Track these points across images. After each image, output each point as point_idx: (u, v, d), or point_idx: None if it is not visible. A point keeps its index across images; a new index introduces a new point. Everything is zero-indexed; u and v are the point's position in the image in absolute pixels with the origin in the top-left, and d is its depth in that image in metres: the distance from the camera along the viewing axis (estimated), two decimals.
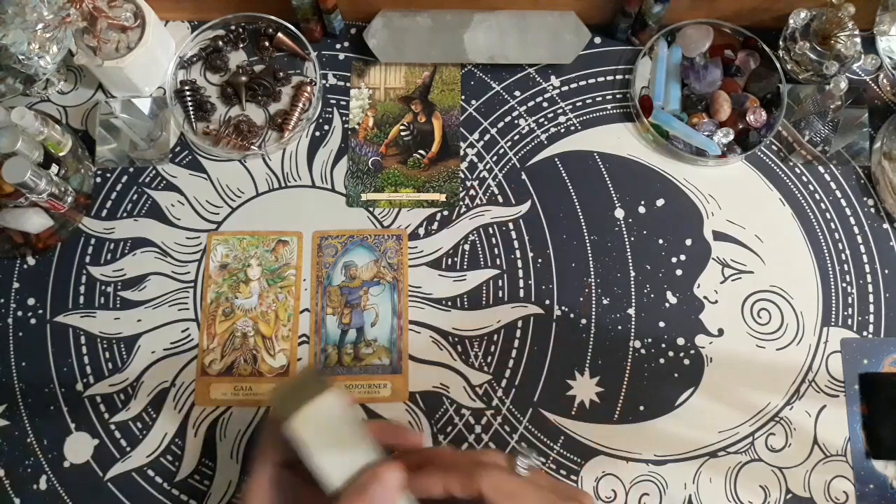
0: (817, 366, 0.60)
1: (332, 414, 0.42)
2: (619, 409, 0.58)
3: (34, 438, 0.57)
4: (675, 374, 0.59)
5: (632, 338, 0.60)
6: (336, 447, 0.41)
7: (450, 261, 0.61)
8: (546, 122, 0.65)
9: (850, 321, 0.61)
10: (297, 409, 0.41)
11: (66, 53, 0.58)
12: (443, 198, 0.63)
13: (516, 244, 0.62)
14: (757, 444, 0.58)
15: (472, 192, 0.63)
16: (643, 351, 0.60)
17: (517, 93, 0.66)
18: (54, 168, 0.58)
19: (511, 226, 0.62)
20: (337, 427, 0.41)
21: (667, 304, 0.61)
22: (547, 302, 0.61)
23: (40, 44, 0.55)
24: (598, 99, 0.66)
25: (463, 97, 0.65)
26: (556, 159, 0.64)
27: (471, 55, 0.64)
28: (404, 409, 0.58)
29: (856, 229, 0.63)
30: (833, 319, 0.61)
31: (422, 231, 0.62)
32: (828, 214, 0.63)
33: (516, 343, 0.60)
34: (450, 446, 0.55)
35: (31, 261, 0.61)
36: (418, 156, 0.64)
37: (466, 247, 0.62)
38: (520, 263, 0.61)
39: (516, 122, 0.65)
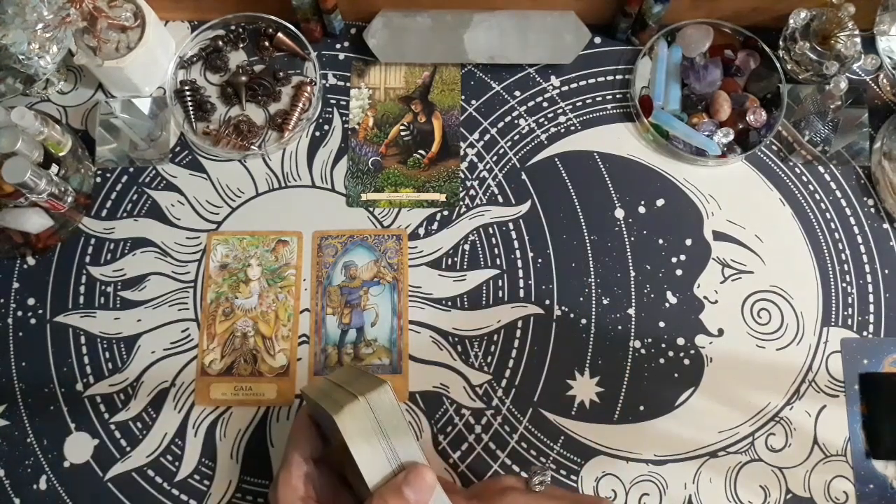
0: (817, 366, 0.60)
1: (377, 410, 0.42)
2: (619, 409, 0.58)
3: (34, 438, 0.57)
4: (675, 374, 0.59)
5: (632, 338, 0.60)
6: (378, 443, 0.42)
7: (450, 261, 0.61)
8: (546, 122, 0.65)
9: (850, 321, 0.61)
10: (345, 404, 0.42)
11: (66, 53, 0.58)
12: (443, 198, 0.63)
13: (516, 244, 0.62)
14: (757, 444, 0.58)
15: (472, 192, 0.63)
16: (643, 351, 0.60)
17: (517, 93, 0.66)
18: (54, 168, 0.58)
19: (511, 226, 0.62)
20: (381, 423, 0.42)
21: (667, 304, 0.61)
22: (547, 302, 0.61)
23: (40, 44, 0.55)
24: (598, 99, 0.66)
25: (463, 97, 0.65)
26: (556, 159, 0.64)
27: (471, 55, 0.64)
28: (404, 409, 0.58)
29: (856, 229, 0.63)
30: (833, 319, 0.61)
31: (422, 231, 0.62)
32: (828, 214, 0.63)
33: (516, 343, 0.60)
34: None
35: (30, 261, 0.61)
36: (418, 156, 0.64)
37: (466, 247, 0.62)
38: (520, 263, 0.61)
39: (516, 122, 0.65)
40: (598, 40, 0.67)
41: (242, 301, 0.60)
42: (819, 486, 0.57)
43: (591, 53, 0.67)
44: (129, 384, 0.58)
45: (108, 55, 0.60)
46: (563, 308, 0.60)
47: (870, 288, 0.61)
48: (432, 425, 0.58)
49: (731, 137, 0.62)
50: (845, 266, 0.62)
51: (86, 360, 0.59)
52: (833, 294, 0.61)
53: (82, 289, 0.60)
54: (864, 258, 0.62)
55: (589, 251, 0.62)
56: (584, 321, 0.60)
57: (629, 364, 0.59)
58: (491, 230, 0.62)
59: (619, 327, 0.60)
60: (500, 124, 0.65)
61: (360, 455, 0.41)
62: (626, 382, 0.59)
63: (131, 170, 0.63)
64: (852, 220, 0.63)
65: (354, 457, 0.41)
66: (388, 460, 0.42)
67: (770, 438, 0.58)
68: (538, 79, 0.66)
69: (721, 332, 0.60)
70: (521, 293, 0.61)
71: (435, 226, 0.62)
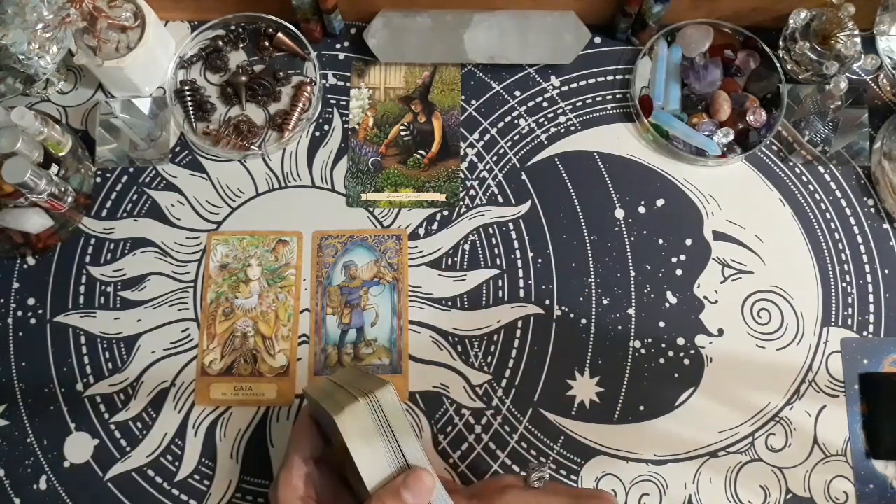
0: (817, 366, 0.60)
1: (379, 410, 0.42)
2: (619, 409, 0.58)
3: (34, 438, 0.57)
4: (675, 374, 0.59)
5: (632, 338, 0.60)
6: (378, 445, 0.42)
7: (450, 261, 0.61)
8: (546, 122, 0.65)
9: (850, 321, 0.61)
10: (346, 405, 0.42)
11: (66, 53, 0.58)
12: (443, 198, 0.63)
13: (516, 244, 0.62)
14: (757, 444, 0.58)
15: (472, 192, 0.63)
16: (643, 351, 0.60)
17: (517, 93, 0.66)
18: (54, 168, 0.58)
19: (511, 226, 0.62)
20: (382, 424, 0.42)
21: (667, 304, 0.61)
22: (547, 302, 0.61)
23: (40, 44, 0.55)
24: (598, 99, 0.66)
25: (463, 97, 0.65)
26: (556, 159, 0.64)
27: (471, 55, 0.64)
28: (405, 410, 0.58)
29: (856, 229, 0.63)
30: (833, 319, 0.61)
31: (422, 231, 0.62)
32: (828, 214, 0.63)
33: (516, 343, 0.60)
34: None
35: (31, 261, 0.61)
36: (418, 156, 0.64)
37: (466, 247, 0.62)
38: (520, 263, 0.61)
39: (516, 122, 0.65)
40: (598, 40, 0.67)
41: (242, 301, 0.60)
42: (819, 486, 0.57)
43: (591, 53, 0.67)
44: (129, 384, 0.58)
45: (108, 55, 0.60)
46: (563, 308, 0.60)
47: (870, 288, 0.61)
48: (432, 425, 0.58)
49: (731, 137, 0.62)
50: (845, 266, 0.62)
51: (86, 360, 0.59)
52: (833, 294, 0.61)
53: (82, 289, 0.60)
54: (864, 258, 0.62)
55: (589, 251, 0.62)
56: (584, 321, 0.60)
57: (629, 364, 0.59)
58: (491, 230, 0.62)
59: (619, 327, 0.60)
60: (500, 124, 0.65)
61: (360, 456, 0.41)
62: (626, 382, 0.59)
63: (131, 170, 0.63)
64: (852, 220, 0.63)
65: (354, 458, 0.41)
66: (388, 462, 0.42)
67: (770, 438, 0.58)
68: (538, 79, 0.66)
69: (721, 332, 0.60)
70: (521, 293, 0.61)
71: (435, 226, 0.62)
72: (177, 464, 0.57)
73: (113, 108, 0.63)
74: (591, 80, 0.66)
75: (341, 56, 0.66)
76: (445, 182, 0.63)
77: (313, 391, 0.47)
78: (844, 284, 0.61)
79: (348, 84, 0.66)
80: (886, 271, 0.62)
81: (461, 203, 0.63)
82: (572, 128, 0.65)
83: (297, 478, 0.45)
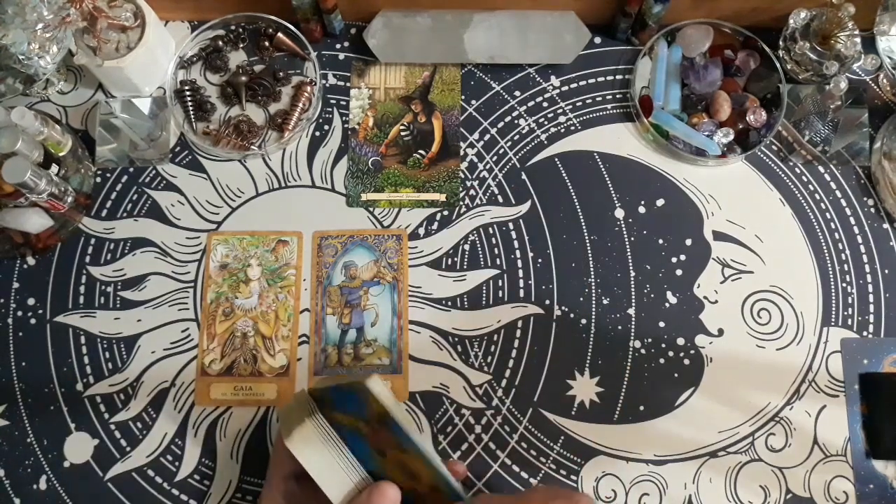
0: (817, 366, 0.60)
1: (325, 428, 0.42)
2: (619, 409, 0.58)
3: (34, 438, 0.57)
4: (675, 374, 0.59)
5: (632, 338, 0.60)
6: (333, 464, 0.42)
7: (450, 261, 0.61)
8: (546, 122, 0.65)
9: (850, 321, 0.61)
10: (292, 429, 0.42)
11: (66, 53, 0.58)
12: (443, 198, 0.63)
13: (516, 244, 0.62)
14: (757, 444, 0.58)
15: (472, 192, 0.63)
16: (643, 351, 0.60)
17: (517, 93, 0.66)
18: (54, 168, 0.58)
19: (511, 226, 0.62)
20: (334, 440, 0.42)
21: (667, 304, 0.61)
22: (547, 302, 0.61)
23: (40, 44, 0.55)
24: (598, 99, 0.66)
25: (463, 97, 0.65)
26: (556, 159, 0.64)
27: (471, 55, 0.64)
28: (404, 410, 0.58)
29: (856, 229, 0.63)
30: (833, 319, 0.61)
31: (422, 231, 0.62)
32: (828, 214, 0.63)
33: (516, 343, 0.60)
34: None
35: (30, 261, 0.61)
36: (418, 156, 0.64)
37: (466, 247, 0.62)
38: (520, 263, 0.61)
39: (516, 122, 0.65)
40: (598, 40, 0.67)
41: (242, 301, 0.60)
42: (819, 486, 0.57)
43: (591, 53, 0.67)
44: (129, 384, 0.58)
45: (108, 55, 0.60)
46: (563, 308, 0.60)
47: (870, 288, 0.61)
48: (432, 425, 0.58)
49: (731, 137, 0.62)
50: (845, 266, 0.62)
51: (86, 360, 0.59)
52: (833, 294, 0.61)
53: (82, 289, 0.60)
54: (864, 258, 0.62)
55: (589, 251, 0.62)
56: (584, 321, 0.60)
57: (629, 364, 0.59)
58: (491, 230, 0.62)
59: (619, 327, 0.60)
60: (500, 124, 0.65)
61: (317, 475, 0.41)
62: (626, 382, 0.59)
63: (131, 170, 0.63)
64: (852, 220, 0.63)
65: (313, 477, 0.41)
66: (349, 476, 0.41)
67: (770, 438, 0.58)
68: (538, 79, 0.66)
69: (721, 332, 0.60)
70: (521, 293, 0.61)
71: (435, 226, 0.62)
72: (177, 464, 0.57)
73: (113, 108, 0.63)
74: (591, 80, 0.66)
75: (341, 56, 0.66)
76: (445, 182, 0.63)
77: (280, 413, 0.47)
78: (844, 284, 0.61)
79: (348, 84, 0.66)
80: (886, 271, 0.62)
81: (461, 203, 0.63)
82: (572, 128, 0.65)
83: (277, 495, 0.46)
